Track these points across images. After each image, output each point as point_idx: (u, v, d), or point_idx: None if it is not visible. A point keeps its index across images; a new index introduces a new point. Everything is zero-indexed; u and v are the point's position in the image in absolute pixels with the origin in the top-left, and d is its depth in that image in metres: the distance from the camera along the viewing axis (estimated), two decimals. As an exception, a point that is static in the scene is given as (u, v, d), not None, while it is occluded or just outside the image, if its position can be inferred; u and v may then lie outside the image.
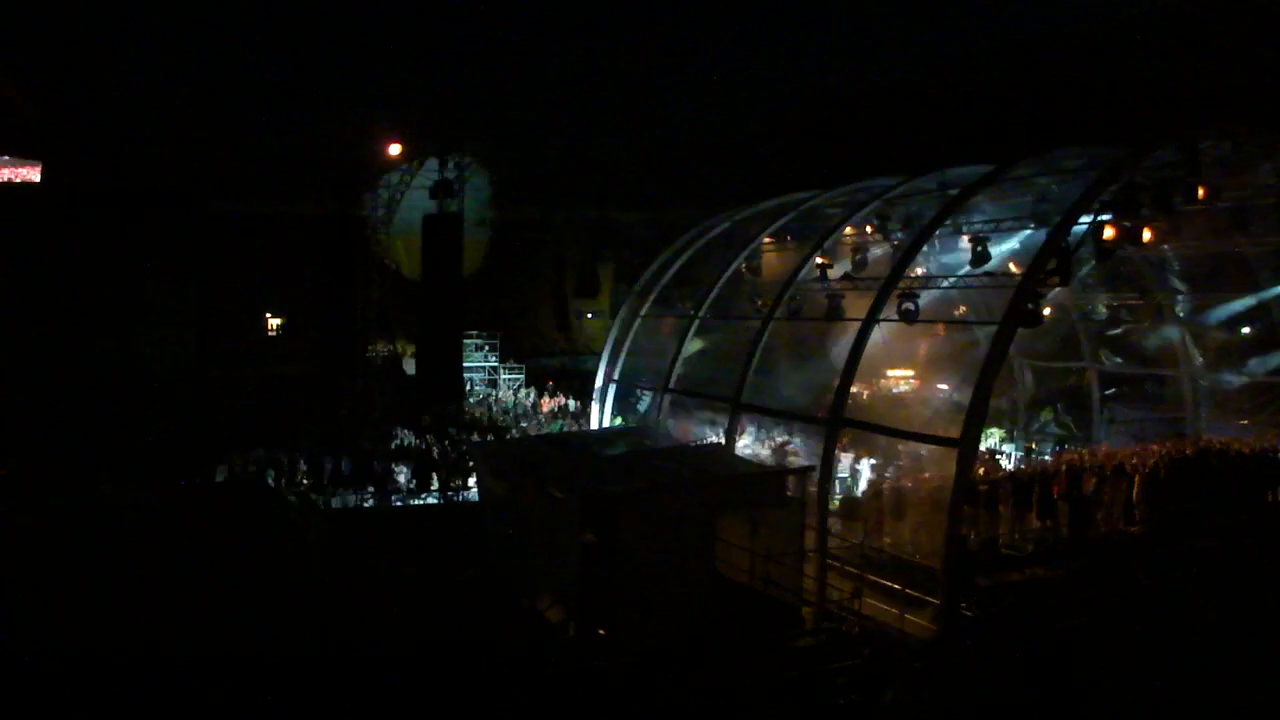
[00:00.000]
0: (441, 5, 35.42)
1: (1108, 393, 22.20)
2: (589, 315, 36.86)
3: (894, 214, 17.95)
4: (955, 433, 12.46)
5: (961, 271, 17.78)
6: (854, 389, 15.17)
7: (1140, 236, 14.52)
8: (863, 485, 17.79)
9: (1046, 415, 22.78)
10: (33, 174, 25.56)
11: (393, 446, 22.84)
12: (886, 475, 17.72)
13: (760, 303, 18.61)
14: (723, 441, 16.96)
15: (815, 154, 29.06)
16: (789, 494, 14.41)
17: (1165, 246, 18.35)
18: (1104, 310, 21.65)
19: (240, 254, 32.68)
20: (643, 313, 22.25)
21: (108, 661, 11.35)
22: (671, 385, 19.49)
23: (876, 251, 18.70)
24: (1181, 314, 20.39)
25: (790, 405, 18.03)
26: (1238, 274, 18.44)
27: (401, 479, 20.43)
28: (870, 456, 18.43)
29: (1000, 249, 17.15)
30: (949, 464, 12.40)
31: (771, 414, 17.74)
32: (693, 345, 20.27)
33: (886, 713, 9.88)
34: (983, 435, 16.36)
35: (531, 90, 35.59)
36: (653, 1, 35.76)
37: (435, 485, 20.24)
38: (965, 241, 17.03)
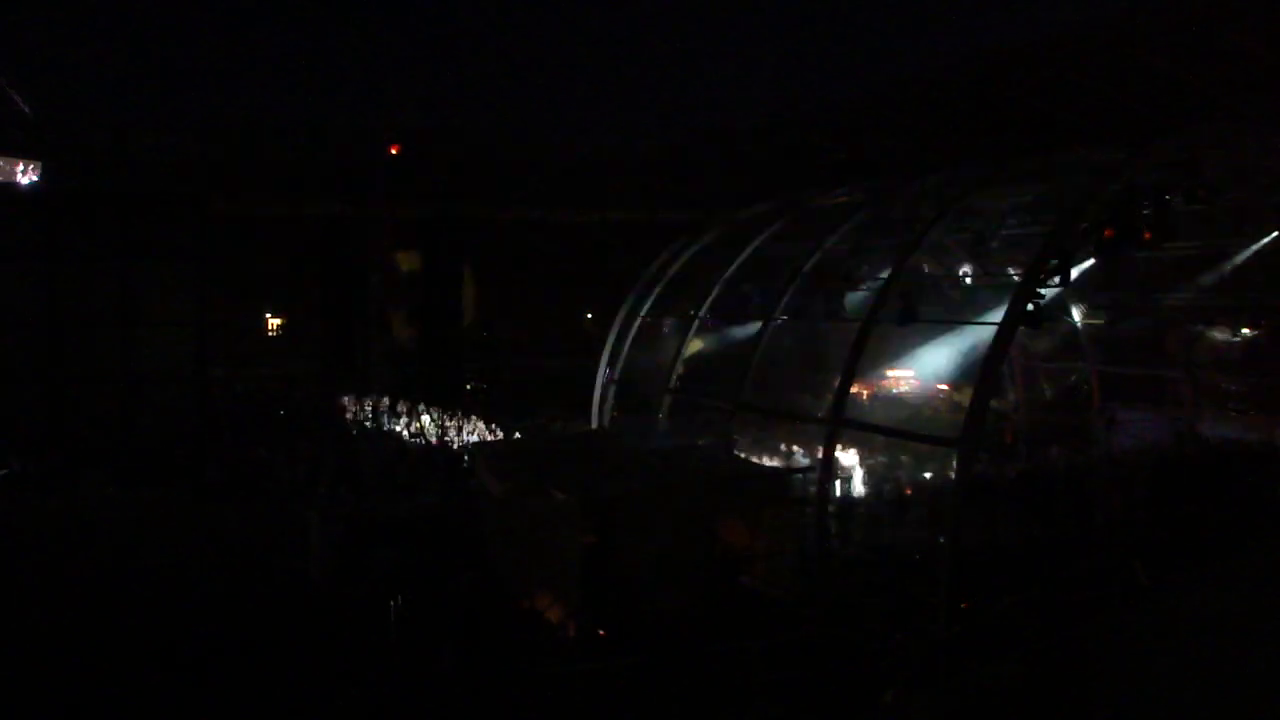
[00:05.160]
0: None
1: (1108, 393, 22.23)
2: (589, 316, 36.86)
3: (894, 214, 17.97)
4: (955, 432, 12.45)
5: (962, 272, 17.81)
6: (854, 389, 15.19)
7: (1140, 236, 14.53)
8: (863, 485, 17.83)
9: None
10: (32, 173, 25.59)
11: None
12: (887, 475, 17.77)
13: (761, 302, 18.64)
14: (723, 442, 16.97)
15: (815, 154, 29.05)
16: (789, 494, 14.41)
17: (1165, 246, 18.37)
18: (1104, 310, 21.69)
19: (240, 254, 32.74)
20: (643, 313, 22.26)
21: (106, 661, 11.36)
22: (672, 386, 19.51)
23: (877, 251, 18.73)
24: (1181, 314, 20.42)
25: (790, 405, 18.05)
26: (1238, 274, 18.46)
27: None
28: (871, 456, 18.47)
29: (1000, 249, 17.19)
30: (949, 464, 12.41)
31: (772, 414, 17.75)
32: (693, 346, 20.29)
33: (886, 713, 9.87)
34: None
35: (528, 87, 35.60)
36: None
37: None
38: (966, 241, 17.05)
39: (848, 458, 17.94)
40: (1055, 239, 13.29)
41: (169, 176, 27.61)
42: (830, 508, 14.33)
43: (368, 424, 26.38)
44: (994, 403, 20.50)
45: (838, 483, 15.96)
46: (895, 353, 23.05)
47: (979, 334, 21.05)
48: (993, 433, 20.77)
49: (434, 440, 24.21)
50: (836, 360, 15.70)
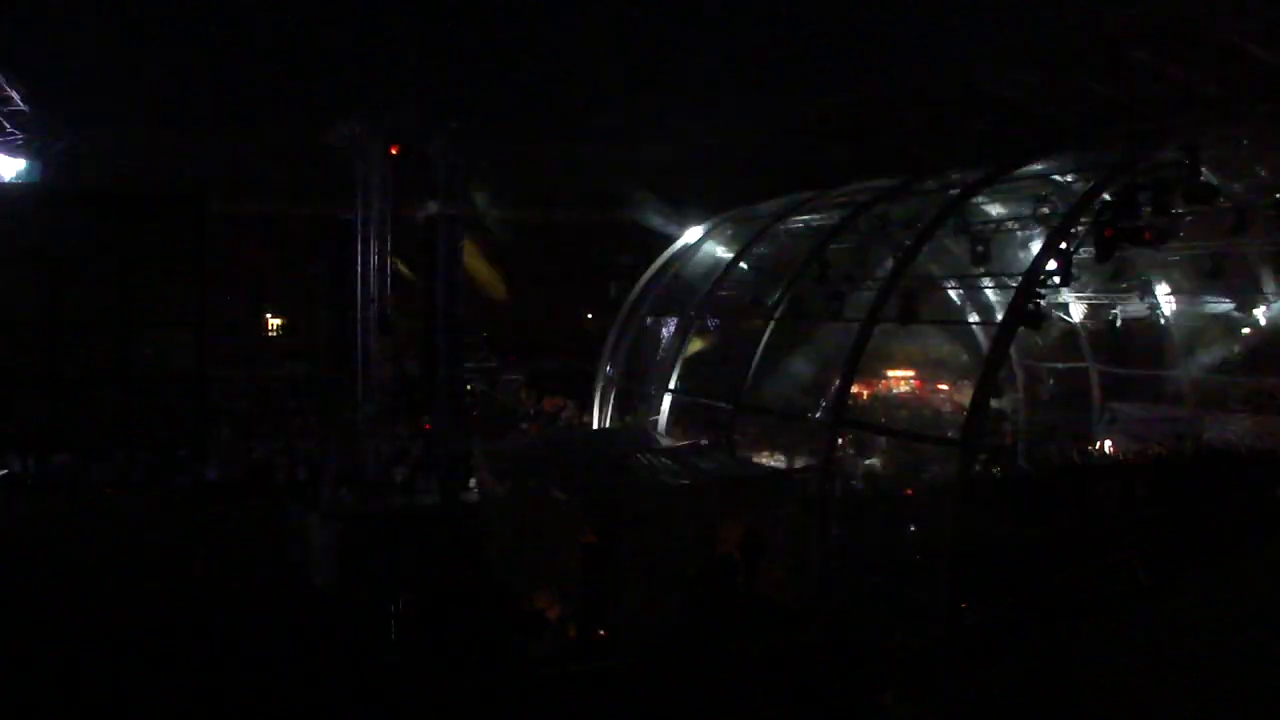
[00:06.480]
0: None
1: (1108, 393, 22.21)
2: (589, 315, 36.89)
3: (895, 214, 17.95)
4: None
5: (962, 272, 17.80)
6: (854, 389, 15.18)
7: (1140, 237, 14.52)
8: (863, 485, 17.81)
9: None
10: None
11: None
12: (887, 475, 17.76)
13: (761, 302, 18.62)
14: (723, 442, 16.96)
15: (816, 154, 29.04)
16: (789, 494, 14.40)
17: (1166, 246, 18.36)
18: (1104, 310, 21.66)
19: (240, 254, 32.80)
20: (643, 313, 22.26)
21: (106, 661, 11.35)
22: (672, 386, 19.50)
23: (877, 252, 18.71)
24: (1182, 314, 20.40)
25: (791, 406, 18.05)
26: (1238, 274, 18.44)
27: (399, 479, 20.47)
28: (871, 456, 18.46)
29: (1000, 249, 17.18)
30: (950, 464, 12.40)
31: (772, 415, 17.74)
32: (693, 346, 20.28)
33: (886, 713, 9.87)
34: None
35: (529, 88, 35.57)
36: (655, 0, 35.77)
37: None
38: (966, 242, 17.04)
39: (848, 458, 17.93)
40: (1055, 239, 13.30)
41: (169, 176, 27.62)
42: (830, 508, 14.32)
43: (368, 424, 26.33)
44: (994, 403, 20.50)
45: (838, 483, 15.94)
46: (895, 353, 23.05)
47: (979, 334, 21.11)
48: (993, 433, 20.76)
49: (434, 440, 24.17)
50: (836, 360, 15.67)
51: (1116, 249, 14.43)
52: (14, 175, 25.11)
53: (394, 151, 28.57)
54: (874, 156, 25.43)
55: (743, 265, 20.54)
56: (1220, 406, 20.19)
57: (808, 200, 20.89)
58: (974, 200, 16.71)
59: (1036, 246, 14.62)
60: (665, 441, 18.22)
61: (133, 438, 22.47)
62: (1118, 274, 19.05)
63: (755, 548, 13.21)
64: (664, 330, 22.60)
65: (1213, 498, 14.44)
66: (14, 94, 24.12)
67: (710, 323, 20.50)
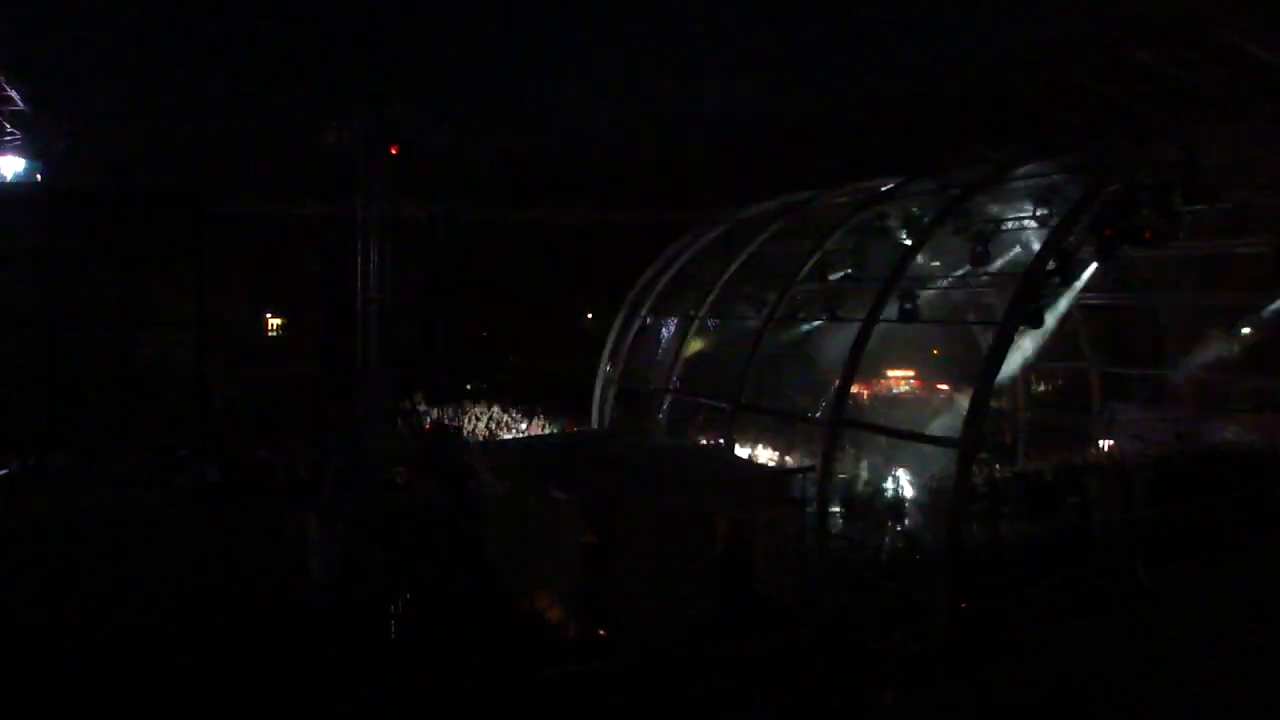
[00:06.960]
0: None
1: (1108, 393, 22.21)
2: (589, 315, 36.90)
3: (895, 214, 17.94)
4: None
5: (962, 272, 17.79)
6: (854, 389, 15.17)
7: (1140, 237, 14.50)
8: (863, 485, 17.81)
9: None
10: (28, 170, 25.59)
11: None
12: (886, 475, 17.75)
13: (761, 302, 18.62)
14: (722, 442, 16.96)
15: (815, 153, 29.03)
16: (789, 494, 14.40)
17: (1165, 246, 18.35)
18: (1104, 310, 21.67)
19: (240, 254, 32.79)
20: (643, 313, 22.25)
21: (106, 661, 11.35)
22: (671, 386, 19.49)
23: (877, 251, 18.69)
24: (1181, 314, 20.40)
25: (791, 406, 18.05)
26: (1238, 274, 18.44)
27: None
28: (871, 456, 18.45)
29: (1000, 249, 17.17)
30: (950, 464, 12.39)
31: (772, 414, 17.73)
32: (693, 346, 20.27)
33: (886, 713, 9.87)
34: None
35: (529, 88, 35.61)
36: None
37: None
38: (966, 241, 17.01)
39: (848, 458, 17.93)
40: (1055, 239, 13.29)
41: (169, 176, 27.63)
42: (830, 508, 14.32)
43: (368, 424, 26.32)
44: (994, 403, 20.49)
45: (837, 483, 15.93)
46: (895, 353, 23.02)
47: (979, 334, 21.09)
48: (993, 433, 20.74)
49: (434, 440, 24.20)
50: (836, 360, 15.66)
51: (1116, 249, 14.41)
52: (14, 175, 25.11)
53: (394, 151, 28.57)
54: (874, 156, 25.42)
55: (742, 265, 20.52)
56: (1220, 407, 20.18)
57: (808, 200, 20.88)
58: (974, 200, 16.69)
59: (1037, 246, 14.60)
60: (665, 441, 18.23)
61: (133, 438, 22.49)
62: (1118, 274, 19.07)
63: (754, 547, 13.22)
64: (664, 330, 22.60)
65: (1213, 498, 14.44)
66: (14, 94, 24.12)
67: (710, 323, 20.50)
